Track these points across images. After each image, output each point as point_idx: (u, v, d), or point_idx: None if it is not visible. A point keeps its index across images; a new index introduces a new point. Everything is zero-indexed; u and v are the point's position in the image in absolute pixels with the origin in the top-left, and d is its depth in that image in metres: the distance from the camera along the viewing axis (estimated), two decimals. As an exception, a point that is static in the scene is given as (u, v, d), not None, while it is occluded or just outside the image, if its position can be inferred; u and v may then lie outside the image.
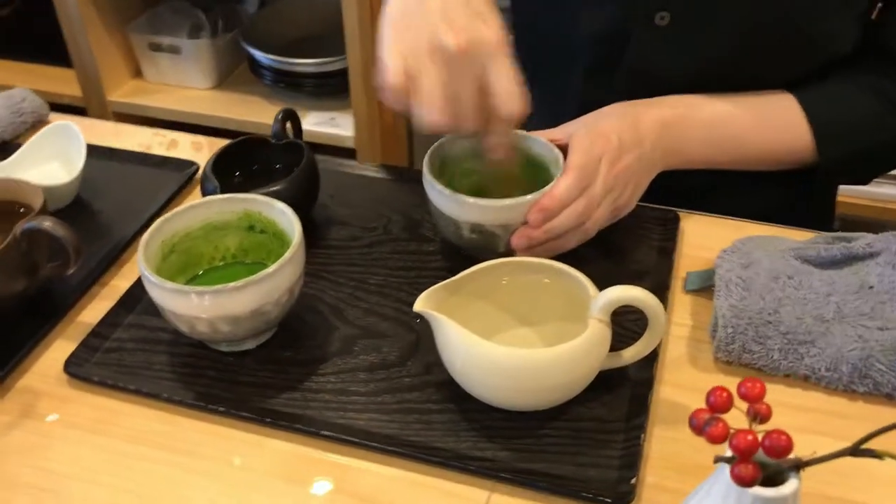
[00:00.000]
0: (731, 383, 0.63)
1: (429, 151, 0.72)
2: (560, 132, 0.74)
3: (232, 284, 0.60)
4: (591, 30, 0.82)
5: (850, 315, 0.65)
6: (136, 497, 0.57)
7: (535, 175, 0.73)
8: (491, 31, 0.62)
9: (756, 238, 0.73)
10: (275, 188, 0.71)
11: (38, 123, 0.88)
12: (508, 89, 0.62)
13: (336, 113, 1.64)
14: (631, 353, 0.62)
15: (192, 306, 0.60)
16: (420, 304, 0.60)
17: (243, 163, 0.79)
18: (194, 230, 0.68)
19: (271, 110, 1.64)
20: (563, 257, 0.66)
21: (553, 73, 0.88)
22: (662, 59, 0.80)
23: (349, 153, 1.62)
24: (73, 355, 0.66)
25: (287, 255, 0.62)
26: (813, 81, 0.80)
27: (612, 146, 0.70)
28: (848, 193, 1.55)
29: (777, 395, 0.63)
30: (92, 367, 0.65)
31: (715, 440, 0.37)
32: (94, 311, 0.71)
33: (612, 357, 0.62)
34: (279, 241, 0.68)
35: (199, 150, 0.91)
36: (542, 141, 0.73)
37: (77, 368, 0.65)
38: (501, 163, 0.70)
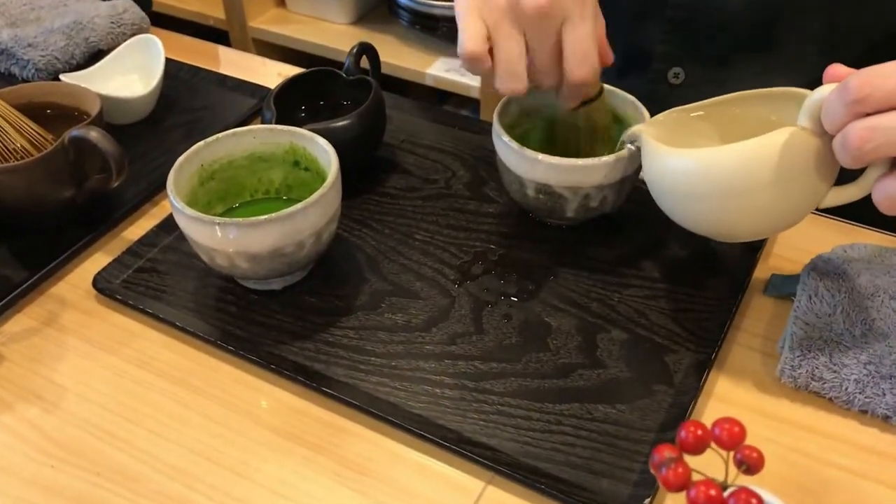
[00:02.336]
0: (795, 409, 0.55)
1: (504, 98, 0.65)
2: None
3: (251, 219, 0.56)
4: None
5: (957, 353, 0.54)
6: (122, 420, 0.56)
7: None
8: None
9: (864, 246, 0.63)
10: (326, 125, 0.66)
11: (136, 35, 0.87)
12: (580, 54, 0.57)
13: (467, 61, 1.58)
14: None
15: (209, 236, 0.57)
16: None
17: (312, 95, 0.75)
18: (238, 159, 0.65)
19: (405, 52, 1.62)
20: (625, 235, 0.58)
21: None
22: None
23: (474, 103, 1.57)
24: (104, 270, 0.65)
25: (313, 196, 0.57)
26: None
27: None
28: None
29: (846, 431, 0.54)
30: (118, 286, 0.64)
31: (670, 486, 0.29)
32: (139, 228, 0.70)
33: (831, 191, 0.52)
34: (321, 180, 0.63)
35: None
36: (626, 97, 0.65)
37: (104, 284, 0.64)
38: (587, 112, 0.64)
